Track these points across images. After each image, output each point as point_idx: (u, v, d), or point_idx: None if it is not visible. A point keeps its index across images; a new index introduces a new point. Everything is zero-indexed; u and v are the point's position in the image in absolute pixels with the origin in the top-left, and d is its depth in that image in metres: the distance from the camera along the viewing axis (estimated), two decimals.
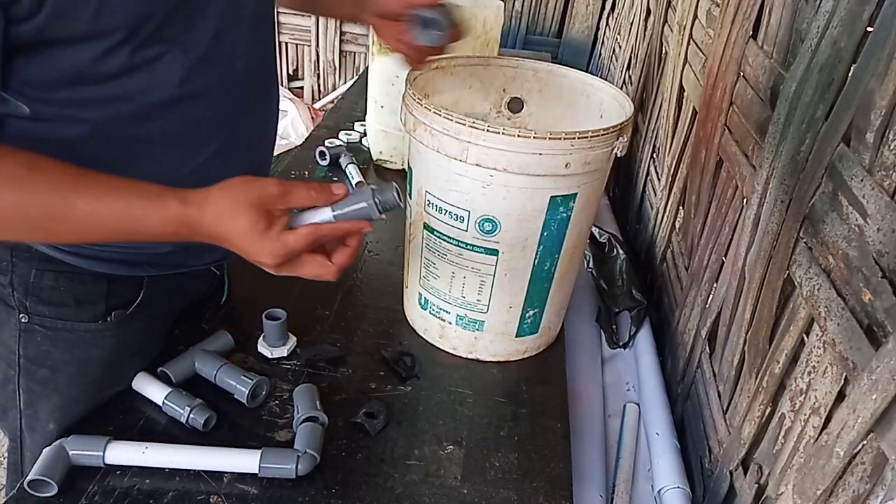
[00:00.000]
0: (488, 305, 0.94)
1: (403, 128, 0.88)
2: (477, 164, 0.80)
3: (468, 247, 0.89)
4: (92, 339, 0.79)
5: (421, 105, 0.82)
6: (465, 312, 0.96)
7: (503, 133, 0.77)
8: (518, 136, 0.76)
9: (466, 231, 0.87)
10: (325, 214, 0.66)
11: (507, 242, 0.87)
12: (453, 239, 0.89)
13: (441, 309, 0.97)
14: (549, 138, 0.77)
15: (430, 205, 0.89)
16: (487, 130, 0.77)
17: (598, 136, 0.79)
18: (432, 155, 0.83)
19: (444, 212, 0.87)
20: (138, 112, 0.64)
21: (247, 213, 0.60)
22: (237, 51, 0.71)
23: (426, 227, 0.91)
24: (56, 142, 0.62)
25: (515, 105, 1.06)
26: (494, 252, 0.88)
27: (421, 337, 1.02)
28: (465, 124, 0.78)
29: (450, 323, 0.98)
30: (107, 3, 0.55)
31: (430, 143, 0.82)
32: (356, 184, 1.42)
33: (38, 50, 0.57)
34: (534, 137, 0.76)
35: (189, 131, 0.69)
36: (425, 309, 0.99)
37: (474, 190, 0.83)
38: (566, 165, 0.79)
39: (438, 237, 0.90)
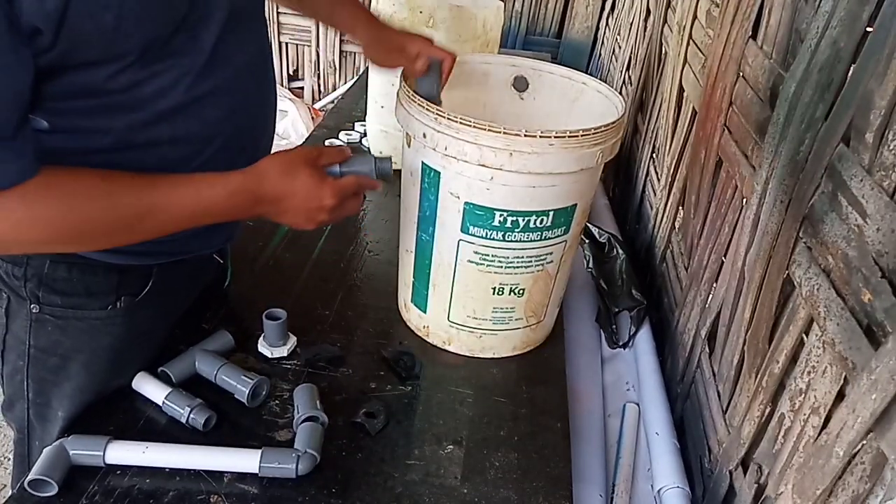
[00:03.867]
0: None
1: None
2: None
3: None
4: (101, 327, 0.80)
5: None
6: None
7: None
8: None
9: None
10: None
11: None
12: None
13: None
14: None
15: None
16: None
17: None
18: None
19: None
20: (148, 119, 0.67)
21: (304, 170, 0.74)
22: (235, 50, 0.73)
23: None
24: (72, 151, 0.65)
25: (520, 84, 1.07)
26: None
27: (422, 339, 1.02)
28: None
29: None
30: (121, 31, 0.58)
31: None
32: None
33: (56, 73, 0.60)
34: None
35: (196, 131, 0.72)
36: None
37: None
38: None
39: None
